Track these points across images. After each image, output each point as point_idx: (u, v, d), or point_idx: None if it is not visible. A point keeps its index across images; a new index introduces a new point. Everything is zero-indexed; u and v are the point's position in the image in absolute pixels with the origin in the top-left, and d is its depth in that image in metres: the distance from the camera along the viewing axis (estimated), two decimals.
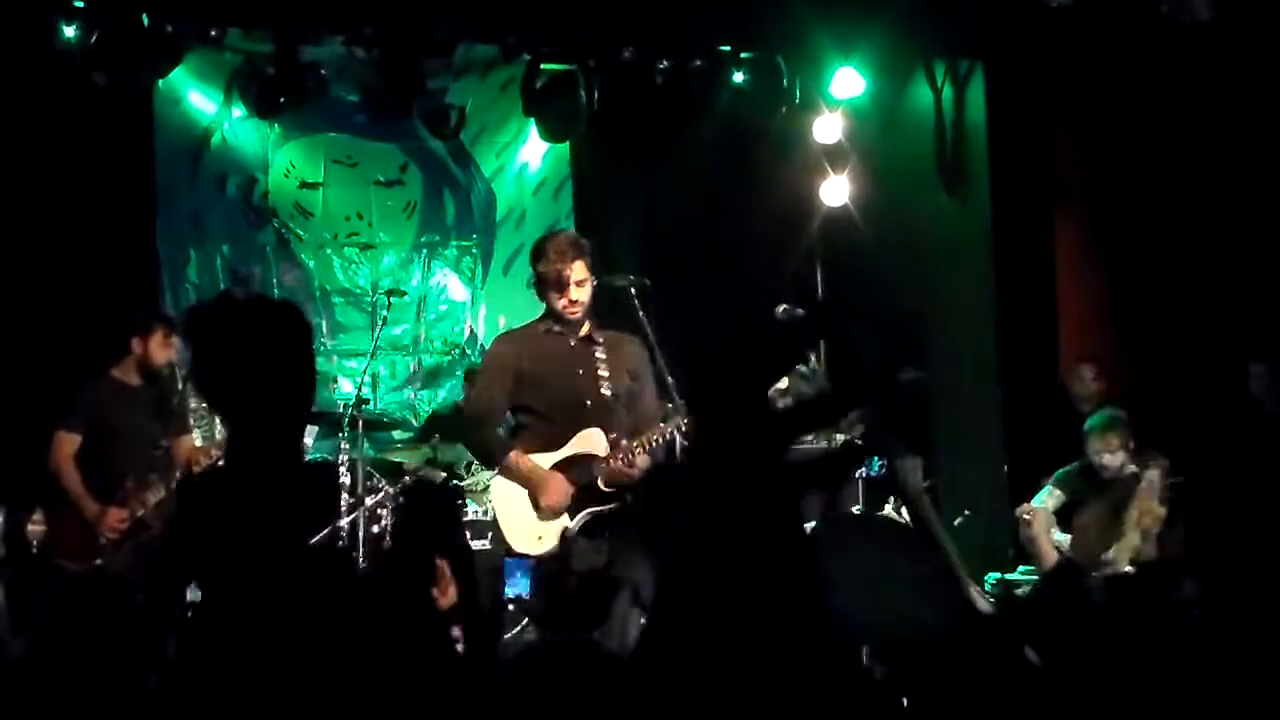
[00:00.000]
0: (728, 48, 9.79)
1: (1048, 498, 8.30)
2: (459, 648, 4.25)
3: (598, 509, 6.43)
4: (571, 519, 6.43)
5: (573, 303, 6.47)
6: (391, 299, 9.50)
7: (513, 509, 6.44)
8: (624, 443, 6.44)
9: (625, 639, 5.79)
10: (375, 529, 8.45)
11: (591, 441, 6.46)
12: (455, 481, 8.74)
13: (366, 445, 8.79)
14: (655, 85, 9.75)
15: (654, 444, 6.49)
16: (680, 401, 6.93)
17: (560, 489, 6.38)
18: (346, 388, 9.50)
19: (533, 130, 10.25)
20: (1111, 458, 8.04)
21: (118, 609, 4.65)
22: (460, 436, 8.05)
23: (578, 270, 6.48)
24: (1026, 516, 8.81)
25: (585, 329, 6.61)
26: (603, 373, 6.50)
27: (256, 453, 2.15)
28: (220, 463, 7.43)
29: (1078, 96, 10.09)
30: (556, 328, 6.56)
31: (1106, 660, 3.04)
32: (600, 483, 6.42)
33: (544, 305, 6.63)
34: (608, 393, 6.49)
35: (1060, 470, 8.35)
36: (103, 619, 4.46)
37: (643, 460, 6.44)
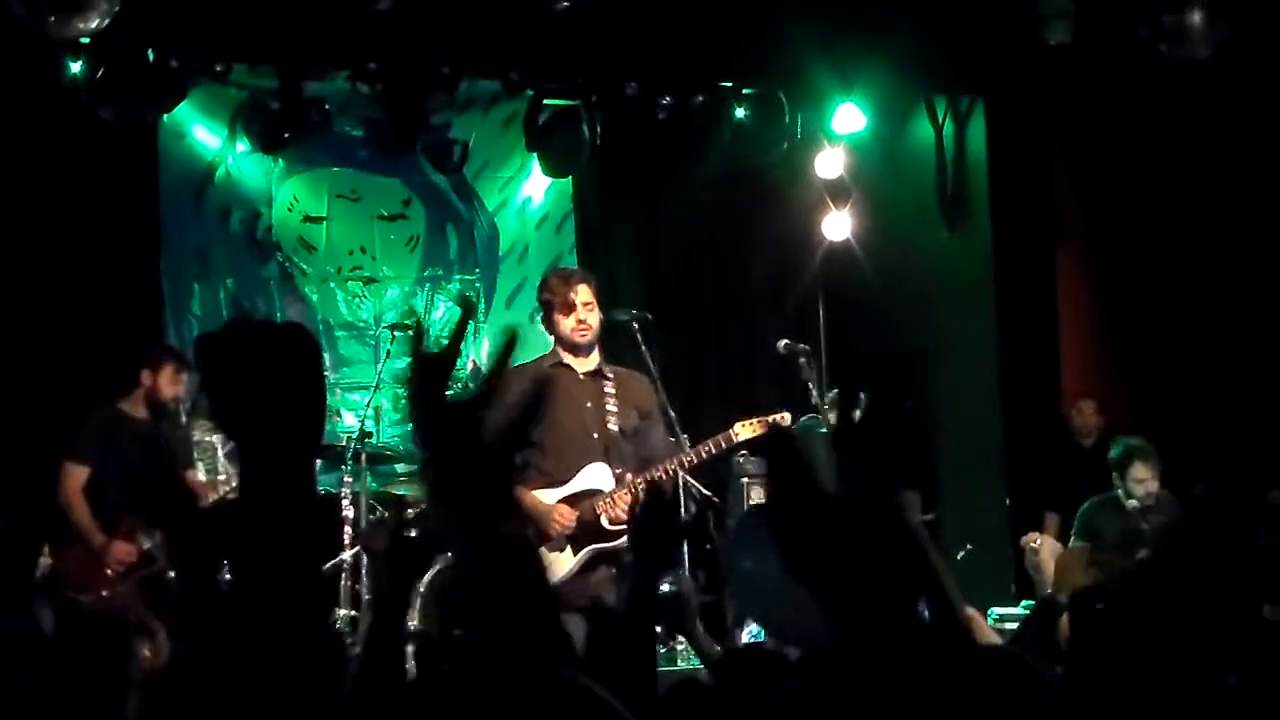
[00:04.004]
0: (729, 83, 9.84)
1: (1077, 542, 8.25)
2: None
3: (601, 546, 6.39)
4: (575, 554, 6.39)
5: (581, 323, 6.46)
6: (395, 333, 9.52)
7: None
8: (629, 478, 6.41)
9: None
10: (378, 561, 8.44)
11: (597, 477, 6.41)
12: None
13: (369, 478, 8.80)
14: (657, 121, 9.79)
15: (659, 480, 6.48)
16: (683, 436, 6.95)
17: (565, 517, 6.34)
18: (350, 421, 9.51)
19: (535, 165, 10.29)
20: (1148, 485, 7.99)
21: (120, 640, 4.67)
22: None
23: (583, 293, 6.48)
24: (1034, 545, 8.82)
25: (595, 362, 6.58)
26: (611, 408, 6.47)
27: (272, 479, 2.16)
28: (229, 496, 7.44)
29: (1078, 133, 10.14)
30: (566, 360, 6.53)
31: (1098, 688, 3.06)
32: (605, 520, 6.38)
33: (550, 341, 6.63)
34: (615, 428, 6.46)
35: (1084, 508, 8.29)
36: (106, 649, 4.48)
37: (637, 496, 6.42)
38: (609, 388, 6.52)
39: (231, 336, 2.23)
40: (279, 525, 2.16)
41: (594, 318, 6.51)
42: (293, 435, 2.18)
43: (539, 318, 6.78)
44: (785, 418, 6.73)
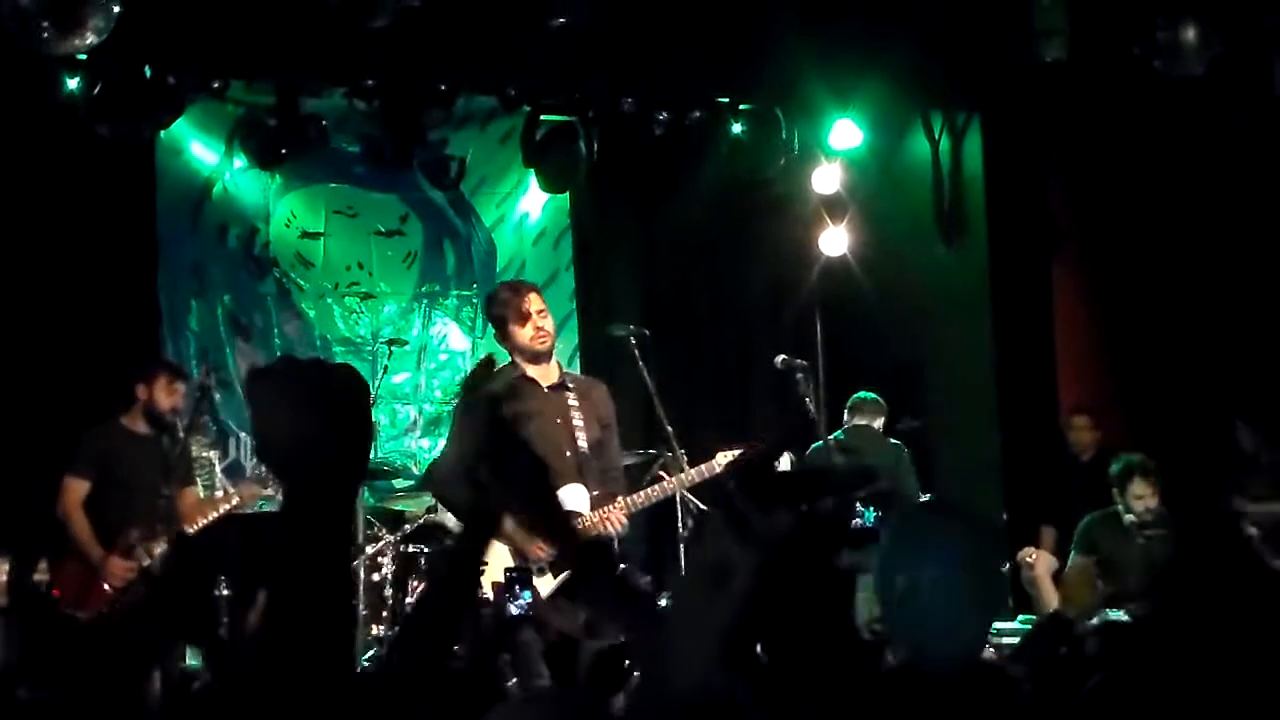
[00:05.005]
0: (726, 99, 9.87)
1: (1077, 557, 8.23)
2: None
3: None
4: (555, 578, 6.35)
5: (539, 329, 6.41)
6: (392, 348, 9.51)
7: (495, 565, 6.34)
8: (620, 499, 6.40)
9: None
10: (375, 577, 8.44)
11: (572, 499, 6.36)
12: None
13: (367, 494, 8.80)
14: (654, 136, 9.82)
15: (639, 505, 6.48)
16: (681, 451, 6.94)
17: (545, 545, 6.29)
18: None
19: (533, 181, 10.30)
20: (1148, 501, 7.98)
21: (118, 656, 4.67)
22: (436, 493, 7.99)
23: (535, 301, 6.45)
24: (1029, 560, 8.81)
25: (556, 374, 6.55)
26: (577, 422, 6.40)
27: (313, 515, 2.17)
28: (230, 512, 7.45)
29: (1073, 148, 10.17)
30: (529, 373, 6.47)
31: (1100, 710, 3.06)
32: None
33: (518, 353, 6.56)
34: (584, 445, 6.41)
35: (1083, 524, 8.28)
36: (104, 666, 4.48)
37: (625, 519, 6.40)
38: (572, 399, 6.47)
39: (285, 375, 2.24)
40: (317, 566, 2.17)
41: (549, 324, 6.49)
42: (338, 477, 2.20)
43: (495, 333, 6.70)
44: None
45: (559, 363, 6.62)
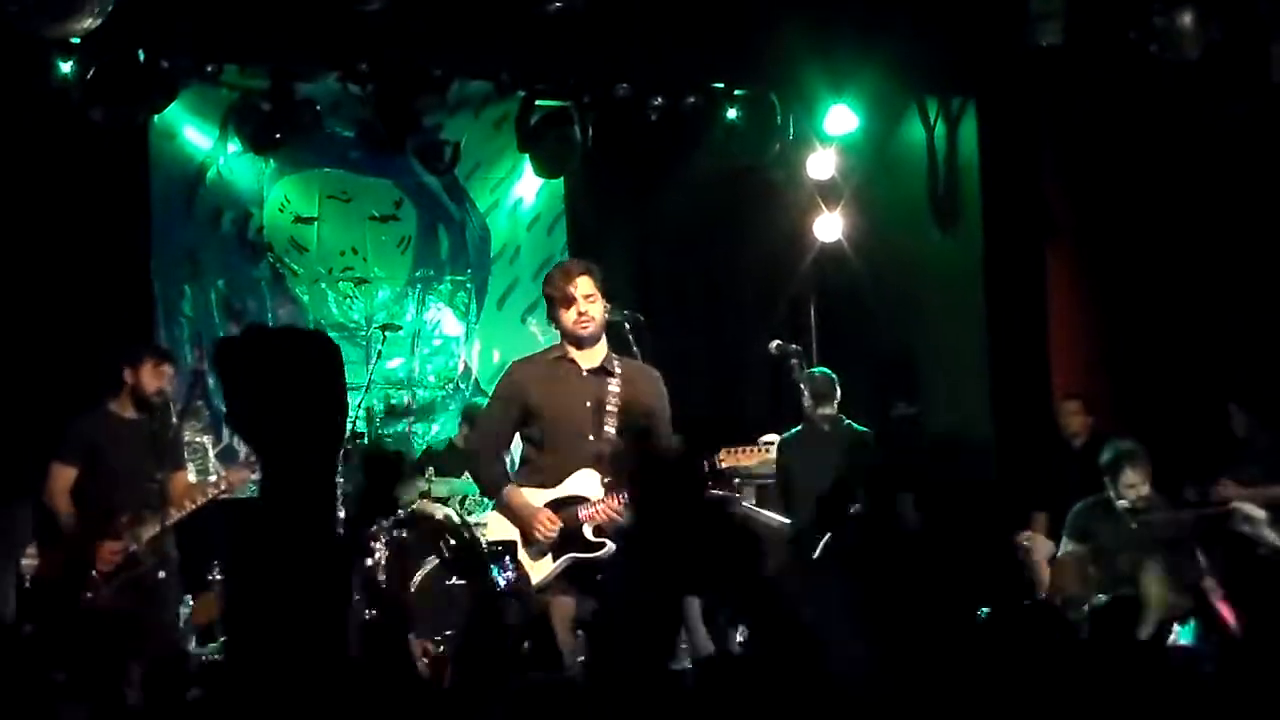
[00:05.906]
0: (721, 84, 9.86)
1: (1069, 544, 8.22)
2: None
3: (581, 555, 6.30)
4: (555, 561, 6.32)
5: (582, 314, 6.30)
6: (386, 333, 9.53)
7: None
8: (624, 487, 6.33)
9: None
10: (369, 562, 8.44)
11: (585, 484, 6.29)
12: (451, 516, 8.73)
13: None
14: (649, 121, 9.80)
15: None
16: (677, 436, 6.91)
17: (548, 526, 6.21)
18: None
19: (527, 166, 10.29)
20: (1140, 489, 7.97)
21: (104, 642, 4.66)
22: (464, 467, 7.99)
23: (584, 285, 6.34)
24: (1026, 543, 8.80)
25: (601, 357, 6.45)
26: (611, 408, 6.28)
27: (293, 485, 2.15)
28: (220, 497, 7.43)
29: (1069, 134, 10.16)
30: (571, 355, 6.37)
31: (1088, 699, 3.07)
32: (587, 529, 6.32)
33: (555, 336, 6.54)
34: (612, 430, 6.30)
35: (1076, 510, 8.27)
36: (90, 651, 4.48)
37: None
38: (613, 385, 6.34)
39: (252, 343, 2.22)
40: (298, 533, 2.15)
41: (596, 309, 6.36)
42: (312, 444, 2.18)
43: (530, 317, 6.70)
44: (773, 441, 6.66)
45: (608, 347, 6.53)
